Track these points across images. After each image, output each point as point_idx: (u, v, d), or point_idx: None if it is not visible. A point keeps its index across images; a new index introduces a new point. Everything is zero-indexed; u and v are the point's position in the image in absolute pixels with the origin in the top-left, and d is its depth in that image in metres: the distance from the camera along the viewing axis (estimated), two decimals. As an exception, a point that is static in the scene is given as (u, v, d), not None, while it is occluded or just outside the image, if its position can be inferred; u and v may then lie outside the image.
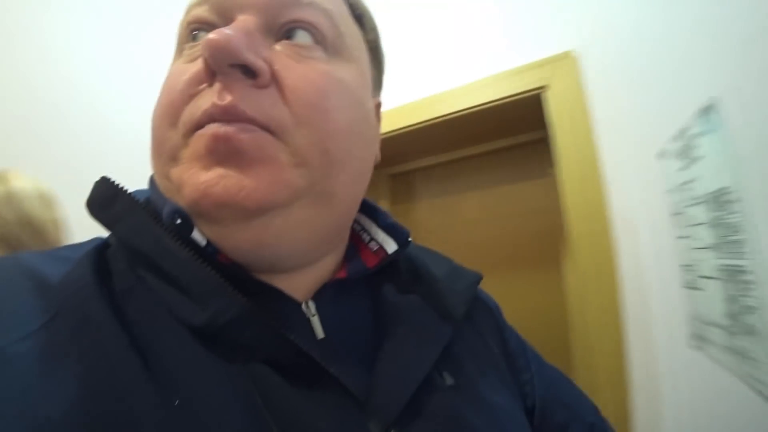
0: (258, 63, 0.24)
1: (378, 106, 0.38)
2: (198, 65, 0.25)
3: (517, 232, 1.57)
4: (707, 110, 0.60)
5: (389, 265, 0.35)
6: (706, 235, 0.67)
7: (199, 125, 0.24)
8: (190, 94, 0.25)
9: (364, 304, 0.33)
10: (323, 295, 0.30)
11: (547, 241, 1.53)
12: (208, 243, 0.26)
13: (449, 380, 0.30)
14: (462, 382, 0.30)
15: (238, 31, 0.24)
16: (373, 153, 0.34)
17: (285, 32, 0.28)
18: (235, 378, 0.23)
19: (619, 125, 1.03)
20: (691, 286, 0.76)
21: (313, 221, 0.27)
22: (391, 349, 0.29)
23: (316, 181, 0.26)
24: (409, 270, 0.37)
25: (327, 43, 0.28)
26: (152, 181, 0.30)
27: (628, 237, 1.05)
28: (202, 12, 0.27)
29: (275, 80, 0.25)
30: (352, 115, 0.28)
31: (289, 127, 0.25)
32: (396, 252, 0.34)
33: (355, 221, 0.37)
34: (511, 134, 1.55)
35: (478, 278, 0.40)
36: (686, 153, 0.69)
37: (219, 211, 0.24)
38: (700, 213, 0.67)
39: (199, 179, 0.23)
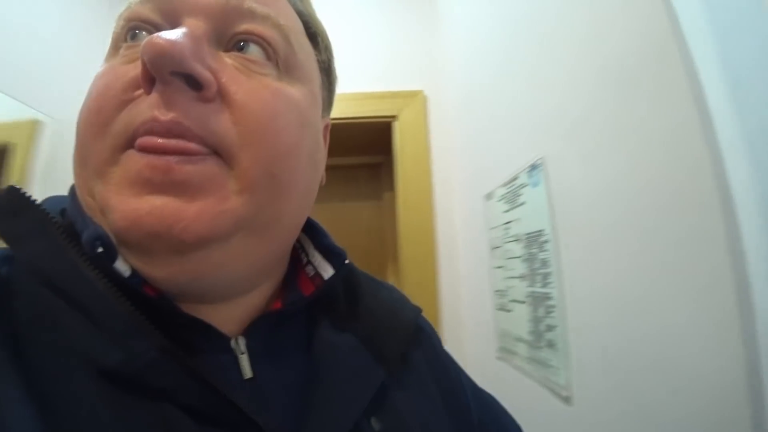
0: (204, 74, 0.22)
1: (327, 127, 0.37)
2: (136, 69, 0.23)
3: (350, 248, 1.64)
4: (534, 166, 0.75)
5: (327, 292, 0.33)
6: (519, 267, 0.82)
7: (133, 139, 0.22)
8: (123, 100, 0.23)
9: (297, 338, 0.31)
10: (255, 329, 0.28)
11: (376, 260, 1.64)
12: (133, 273, 0.23)
13: (377, 426, 0.28)
14: (390, 427, 0.29)
15: (183, 36, 0.22)
16: (320, 175, 0.33)
17: (235, 43, 0.26)
18: (148, 427, 0.21)
19: (455, 166, 1.19)
20: (502, 309, 0.92)
21: (255, 251, 0.26)
22: (321, 397, 0.27)
23: (261, 209, 0.24)
24: (347, 298, 0.35)
25: (279, 60, 0.27)
26: (72, 192, 0.26)
27: (450, 263, 1.21)
28: (145, 10, 0.25)
29: (221, 94, 0.24)
30: (301, 137, 0.27)
31: (235, 148, 0.23)
32: (332, 277, 0.32)
33: (296, 240, 0.35)
34: (357, 154, 1.62)
35: (417, 313, 0.39)
36: (512, 198, 0.85)
37: (151, 243, 0.22)
38: (516, 248, 0.83)
39: (129, 206, 0.21)
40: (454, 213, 1.25)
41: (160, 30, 0.23)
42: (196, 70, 0.22)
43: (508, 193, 0.87)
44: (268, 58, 0.26)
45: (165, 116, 0.21)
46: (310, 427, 0.25)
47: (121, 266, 0.23)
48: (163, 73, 0.21)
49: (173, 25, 0.24)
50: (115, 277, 0.22)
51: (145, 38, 0.22)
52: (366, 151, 1.62)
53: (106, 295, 0.21)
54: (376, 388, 0.29)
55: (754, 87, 0.37)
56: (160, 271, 0.23)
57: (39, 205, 0.24)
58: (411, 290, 1.21)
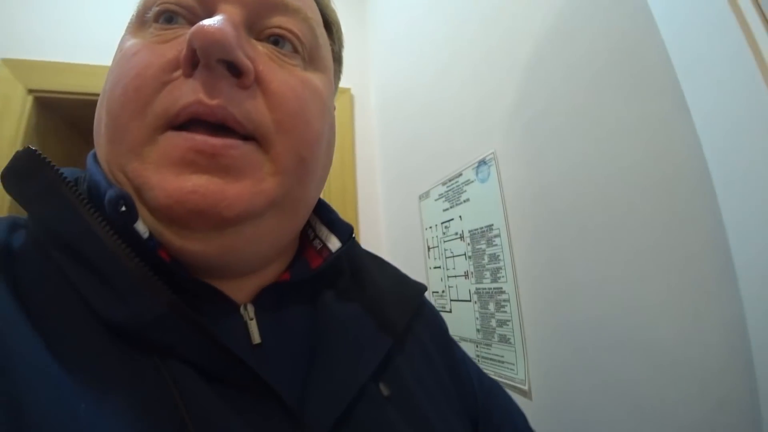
0: (246, 62, 0.24)
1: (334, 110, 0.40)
2: (173, 50, 0.24)
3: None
4: (483, 162, 0.75)
5: (332, 266, 0.33)
6: (462, 265, 0.81)
7: (175, 121, 0.23)
8: (162, 81, 0.24)
9: (304, 309, 0.31)
10: (263, 298, 0.29)
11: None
12: (150, 236, 0.24)
13: (386, 391, 0.29)
14: (399, 393, 0.30)
15: (228, 24, 0.23)
16: (332, 158, 0.35)
17: (268, 36, 0.28)
18: (154, 381, 0.21)
19: (382, 166, 1.16)
20: (442, 310, 0.90)
21: (282, 227, 0.28)
22: (326, 360, 0.28)
23: (291, 190, 0.27)
24: (353, 274, 0.36)
25: (305, 53, 0.29)
26: (93, 160, 0.28)
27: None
28: None
29: (258, 82, 0.25)
30: (323, 125, 0.29)
31: (271, 135, 0.25)
32: (339, 250, 0.33)
33: None
34: None
35: (423, 289, 0.40)
36: (453, 196, 0.84)
37: (194, 219, 0.23)
38: (459, 246, 0.82)
39: (172, 184, 0.22)
40: (379, 215, 1.21)
41: (196, 15, 0.26)
42: (240, 59, 0.23)
43: (448, 191, 0.86)
44: (296, 51, 0.28)
45: (210, 101, 0.23)
46: (315, 391, 0.26)
47: (141, 227, 0.23)
48: (211, 60, 0.23)
49: (209, 12, 0.25)
50: (130, 238, 0.22)
51: (181, 23, 0.26)
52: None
53: (115, 252, 0.22)
54: (382, 354, 0.30)
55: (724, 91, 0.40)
56: (197, 245, 0.24)
57: (53, 167, 0.24)
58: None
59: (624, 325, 0.50)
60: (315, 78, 0.30)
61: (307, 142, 0.27)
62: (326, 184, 1.25)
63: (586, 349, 0.55)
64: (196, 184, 0.22)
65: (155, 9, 0.26)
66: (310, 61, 0.30)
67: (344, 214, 1.15)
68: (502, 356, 0.69)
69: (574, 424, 0.57)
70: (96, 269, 0.22)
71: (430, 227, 0.94)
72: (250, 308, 0.28)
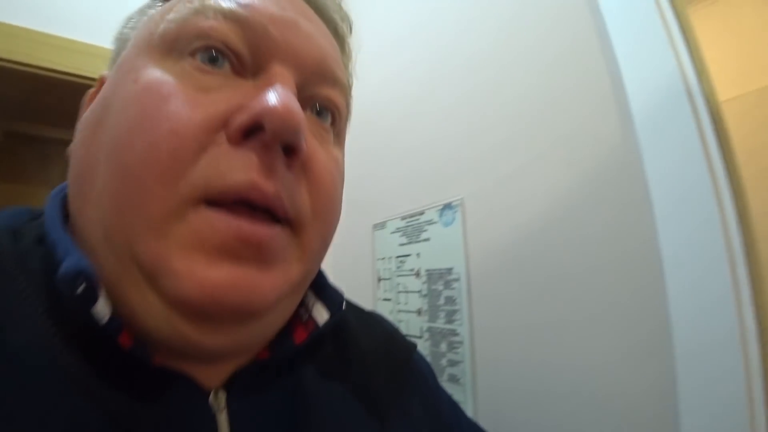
0: (305, 146, 0.22)
1: None
2: (219, 106, 0.21)
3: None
4: (446, 207, 0.78)
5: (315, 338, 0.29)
6: (416, 302, 0.83)
7: (215, 197, 0.20)
8: (202, 143, 0.20)
9: (283, 392, 0.27)
10: (238, 382, 0.25)
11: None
12: (111, 319, 0.20)
13: None
14: None
15: (297, 105, 0.21)
16: None
17: (313, 105, 0.26)
18: None
19: (345, 189, 1.15)
20: (389, 341, 0.91)
21: (290, 310, 0.27)
22: None
23: (310, 273, 0.26)
24: (335, 336, 0.32)
25: (340, 127, 0.28)
26: (59, 208, 0.24)
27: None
28: (231, 34, 0.22)
29: (303, 163, 0.23)
30: (342, 199, 0.28)
31: (307, 221, 0.24)
32: (327, 324, 0.29)
33: None
34: None
35: (412, 350, 0.38)
36: (413, 233, 0.86)
37: (226, 315, 0.20)
38: (414, 283, 0.84)
39: (205, 274, 0.19)
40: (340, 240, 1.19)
41: (243, 64, 0.23)
42: (302, 143, 0.21)
43: (407, 227, 0.88)
44: (333, 124, 0.27)
45: (267, 185, 0.20)
46: None
47: (102, 309, 0.19)
48: (276, 142, 0.21)
49: (259, 65, 0.23)
50: (68, 319, 0.20)
51: (225, 68, 0.23)
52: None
53: (49, 343, 0.19)
54: None
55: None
56: (218, 339, 0.21)
57: None
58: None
59: (571, 376, 0.55)
60: (341, 155, 0.29)
61: (333, 226, 0.26)
62: None
63: (533, 394, 0.59)
64: (235, 277, 0.20)
65: (196, 43, 0.22)
66: (338, 133, 0.29)
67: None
68: (451, 395, 0.72)
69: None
70: (20, 363, 0.18)
71: (383, 258, 0.95)
72: (222, 396, 0.24)
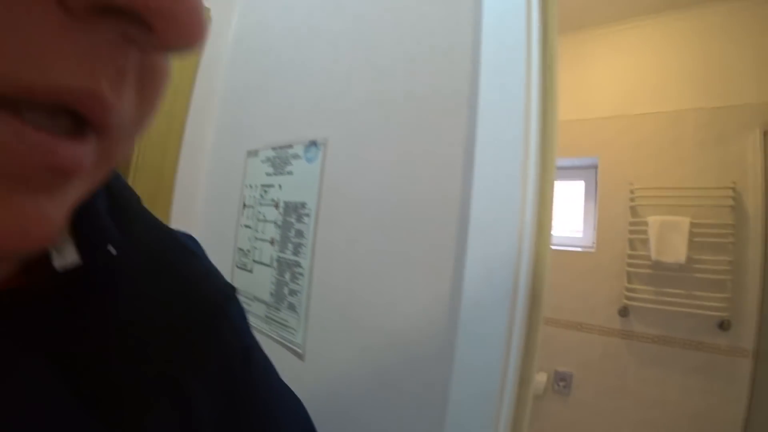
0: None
1: None
2: None
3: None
4: (312, 143, 0.77)
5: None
6: (271, 231, 0.84)
7: (26, 100, 0.12)
8: (13, 8, 0.12)
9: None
10: None
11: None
12: None
13: None
14: None
15: None
16: None
17: None
18: None
19: (228, 109, 1.08)
20: (243, 267, 0.91)
21: None
22: None
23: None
24: (85, 297, 0.21)
25: None
26: None
27: (187, 211, 1.10)
28: None
29: (154, 66, 0.18)
30: None
31: (123, 136, 0.18)
32: (67, 272, 0.20)
33: None
34: None
35: (217, 304, 0.28)
36: (280, 165, 0.85)
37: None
38: (272, 213, 0.84)
39: (17, 212, 0.13)
40: (203, 161, 1.13)
41: None
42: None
43: (276, 158, 0.86)
44: None
45: (112, 100, 0.14)
46: None
47: None
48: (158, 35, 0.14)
49: None
50: None
51: None
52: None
53: None
54: None
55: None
56: None
57: None
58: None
59: (376, 312, 0.62)
60: None
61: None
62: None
63: (348, 329, 0.65)
64: (19, 214, 0.13)
65: None
66: None
67: (164, 152, 1.04)
68: (287, 321, 0.76)
69: (332, 382, 0.67)
70: None
71: (251, 186, 0.93)
72: None
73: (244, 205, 0.95)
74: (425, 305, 0.56)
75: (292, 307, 0.76)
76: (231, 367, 0.27)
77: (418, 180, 0.59)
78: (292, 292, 0.76)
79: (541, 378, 1.95)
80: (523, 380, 0.59)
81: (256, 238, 0.88)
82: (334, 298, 0.69)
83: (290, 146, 0.83)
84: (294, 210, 0.79)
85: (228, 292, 0.30)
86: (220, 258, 0.99)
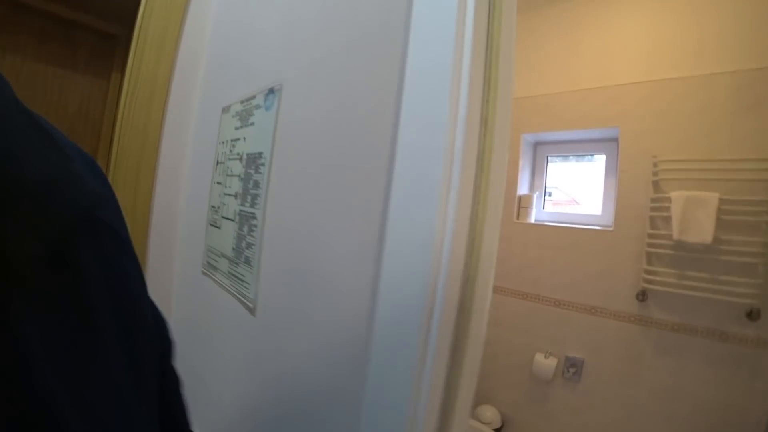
0: None
1: None
2: None
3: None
4: (271, 90, 0.74)
5: None
6: (235, 185, 0.82)
7: None
8: None
9: None
10: None
11: (82, 145, 1.32)
12: None
13: None
14: None
15: None
16: None
17: None
18: None
19: (216, 66, 1.07)
20: (214, 224, 0.91)
21: None
22: None
23: None
24: None
25: None
26: None
27: (173, 169, 1.10)
28: None
29: None
30: None
31: None
32: None
33: None
34: (85, 10, 1.23)
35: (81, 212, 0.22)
36: (245, 117, 0.82)
37: None
38: (237, 167, 0.82)
39: None
40: (189, 116, 1.13)
41: None
42: None
43: (243, 110, 0.84)
44: None
45: None
46: None
47: None
48: None
49: None
50: None
51: None
52: (100, 12, 1.25)
53: None
54: None
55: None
56: None
57: None
58: (121, 190, 1.04)
59: (321, 266, 0.58)
60: None
61: None
62: (136, 66, 1.07)
63: (291, 281, 0.63)
64: None
65: None
66: None
67: (148, 107, 1.04)
68: (244, 276, 0.75)
69: (279, 336, 0.65)
70: None
71: (223, 142, 0.92)
72: None
73: (217, 162, 0.93)
74: (356, 253, 0.52)
75: (247, 261, 0.74)
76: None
77: (350, 126, 0.55)
78: (249, 245, 0.74)
79: (551, 363, 1.87)
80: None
81: (225, 194, 0.87)
82: (280, 250, 0.66)
83: (253, 97, 0.80)
84: (253, 161, 0.76)
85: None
86: (198, 217, 0.99)
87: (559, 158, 2.11)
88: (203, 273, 0.94)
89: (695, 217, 1.49)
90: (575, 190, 2.07)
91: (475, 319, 0.44)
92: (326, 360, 0.55)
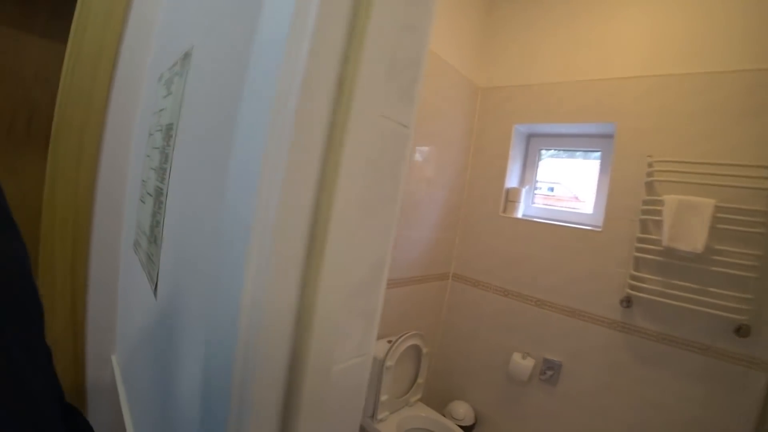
0: None
1: None
2: None
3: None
4: (186, 55, 0.68)
5: None
6: (156, 158, 0.77)
7: None
8: None
9: None
10: None
11: (12, 113, 1.27)
12: None
13: None
14: None
15: None
16: None
17: None
18: None
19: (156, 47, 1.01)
20: (141, 200, 0.86)
21: None
22: None
23: None
24: None
25: None
26: None
27: (120, 140, 1.06)
28: None
29: None
30: None
31: None
32: None
33: None
34: None
35: None
36: (169, 85, 0.76)
37: None
38: (158, 139, 0.77)
39: None
40: (140, 83, 1.07)
41: None
42: None
43: (171, 76, 0.78)
44: None
45: None
46: None
47: None
48: None
49: None
50: None
51: None
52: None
53: None
54: None
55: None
56: None
57: None
58: (63, 164, 1.00)
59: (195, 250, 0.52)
60: None
61: None
62: (81, 26, 0.99)
63: (195, 255, 0.57)
64: None
65: None
66: None
67: (93, 69, 0.99)
68: (153, 255, 0.70)
69: (178, 317, 0.60)
70: None
71: (156, 112, 0.86)
72: None
73: (150, 134, 0.88)
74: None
75: (155, 240, 0.69)
76: None
77: (221, 95, 0.48)
78: (157, 223, 0.69)
79: (528, 363, 1.80)
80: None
81: (150, 168, 0.82)
82: (173, 230, 0.61)
83: (176, 63, 0.74)
84: (167, 132, 0.70)
85: None
86: (134, 192, 0.94)
87: (565, 154, 2.00)
88: (134, 251, 0.90)
89: (688, 223, 1.38)
90: (578, 187, 1.96)
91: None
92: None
